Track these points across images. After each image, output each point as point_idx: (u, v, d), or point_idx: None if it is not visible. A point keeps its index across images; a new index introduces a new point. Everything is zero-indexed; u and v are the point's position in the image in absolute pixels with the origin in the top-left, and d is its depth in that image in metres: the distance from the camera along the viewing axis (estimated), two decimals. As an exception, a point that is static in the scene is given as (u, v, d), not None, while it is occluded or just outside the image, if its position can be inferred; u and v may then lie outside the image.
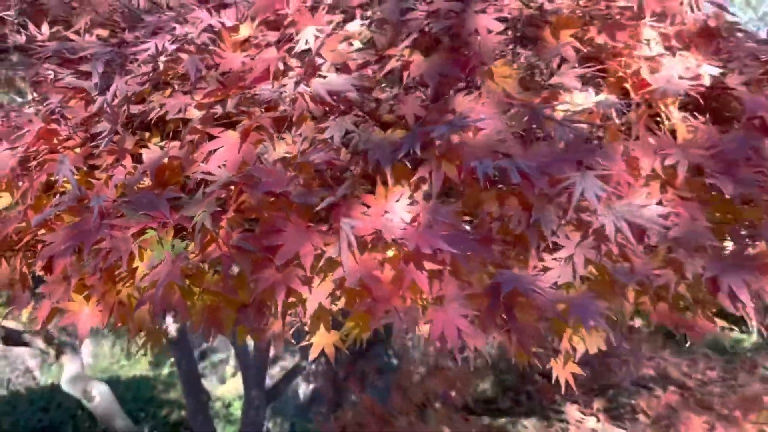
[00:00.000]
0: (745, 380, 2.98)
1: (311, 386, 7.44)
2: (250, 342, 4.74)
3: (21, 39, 1.69)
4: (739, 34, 1.63)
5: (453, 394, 2.99)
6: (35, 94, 1.75)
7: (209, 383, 10.84)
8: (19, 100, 2.65)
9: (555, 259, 1.14)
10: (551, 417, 2.85)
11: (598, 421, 2.69)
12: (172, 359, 10.58)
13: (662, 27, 1.50)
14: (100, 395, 3.69)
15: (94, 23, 1.71)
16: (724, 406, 2.73)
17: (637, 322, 3.93)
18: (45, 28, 1.68)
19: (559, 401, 2.83)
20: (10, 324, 4.60)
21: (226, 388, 11.14)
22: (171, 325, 3.86)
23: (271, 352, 10.94)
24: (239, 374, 11.22)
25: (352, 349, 3.55)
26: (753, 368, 3.04)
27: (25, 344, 3.78)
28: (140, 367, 11.27)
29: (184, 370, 3.98)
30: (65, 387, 3.80)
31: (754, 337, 9.47)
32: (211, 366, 12.57)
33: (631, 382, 2.96)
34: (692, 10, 1.61)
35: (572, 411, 2.71)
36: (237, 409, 8.49)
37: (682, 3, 1.59)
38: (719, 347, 7.24)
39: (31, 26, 1.67)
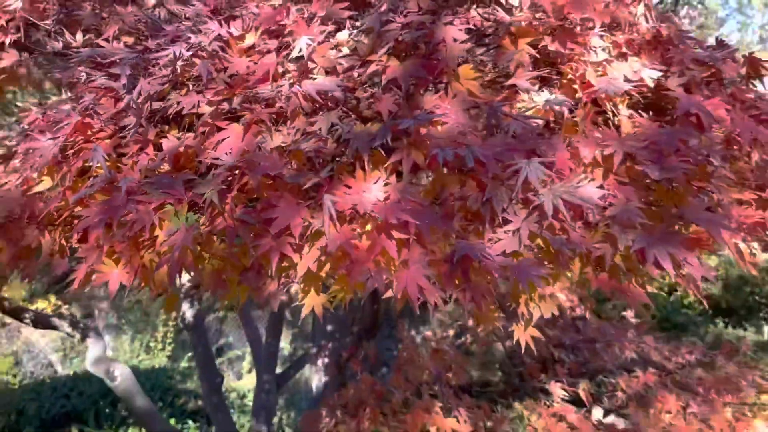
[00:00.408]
0: (722, 364, 3.16)
1: (324, 380, 7.65)
2: (262, 330, 4.99)
3: (58, 45, 1.94)
4: (689, 42, 1.83)
5: (449, 375, 3.20)
6: (69, 93, 2.00)
7: (226, 379, 11.13)
8: (53, 98, 2.92)
9: (505, 232, 1.36)
10: (539, 396, 3.05)
11: (580, 398, 2.90)
12: (190, 354, 10.92)
13: (615, 36, 1.71)
14: (121, 375, 3.95)
15: (121, 31, 1.96)
16: (700, 387, 2.92)
17: (629, 314, 4.12)
18: (79, 36, 1.93)
19: (544, 380, 3.03)
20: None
21: (243, 383, 11.44)
22: (188, 311, 4.12)
23: (289, 349, 11.19)
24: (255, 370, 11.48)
25: (357, 334, 3.77)
26: (733, 354, 3.22)
27: (54, 327, 4.05)
28: (158, 361, 11.61)
29: (200, 353, 4.24)
30: (90, 368, 4.07)
31: (766, 337, 9.53)
32: (228, 362, 12.88)
33: (614, 365, 3.16)
34: (647, 21, 1.82)
35: (557, 389, 2.91)
36: (251, 400, 8.74)
37: (636, 15, 1.81)
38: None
39: (67, 34, 1.92)
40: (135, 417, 4.39)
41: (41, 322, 4.00)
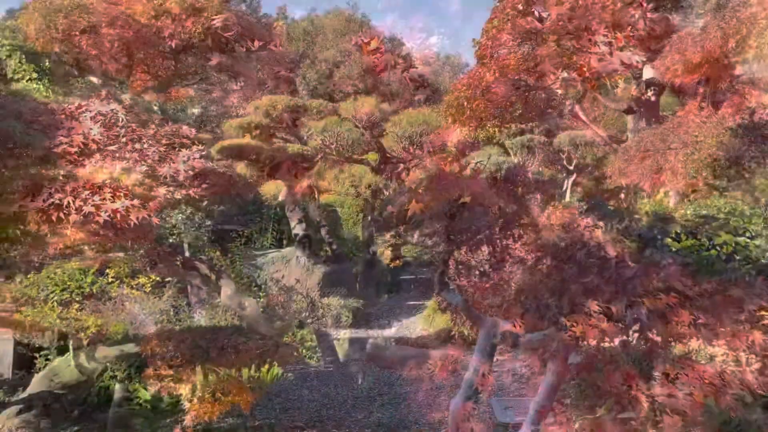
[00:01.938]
0: (736, 293, 3.85)
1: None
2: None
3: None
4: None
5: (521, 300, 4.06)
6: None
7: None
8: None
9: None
10: (581, 314, 3.86)
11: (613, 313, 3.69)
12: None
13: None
14: (250, 306, 5.00)
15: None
16: (712, 306, 3.65)
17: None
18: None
19: (584, 301, 3.83)
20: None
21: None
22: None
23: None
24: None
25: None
26: (745, 285, 3.90)
27: (196, 269, 5.14)
28: (248, 326, 12.96)
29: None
30: (225, 301, 5.15)
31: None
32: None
33: (642, 291, 3.90)
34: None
35: (594, 306, 3.71)
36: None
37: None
38: None
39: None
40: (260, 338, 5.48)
41: (188, 263, 5.11)
